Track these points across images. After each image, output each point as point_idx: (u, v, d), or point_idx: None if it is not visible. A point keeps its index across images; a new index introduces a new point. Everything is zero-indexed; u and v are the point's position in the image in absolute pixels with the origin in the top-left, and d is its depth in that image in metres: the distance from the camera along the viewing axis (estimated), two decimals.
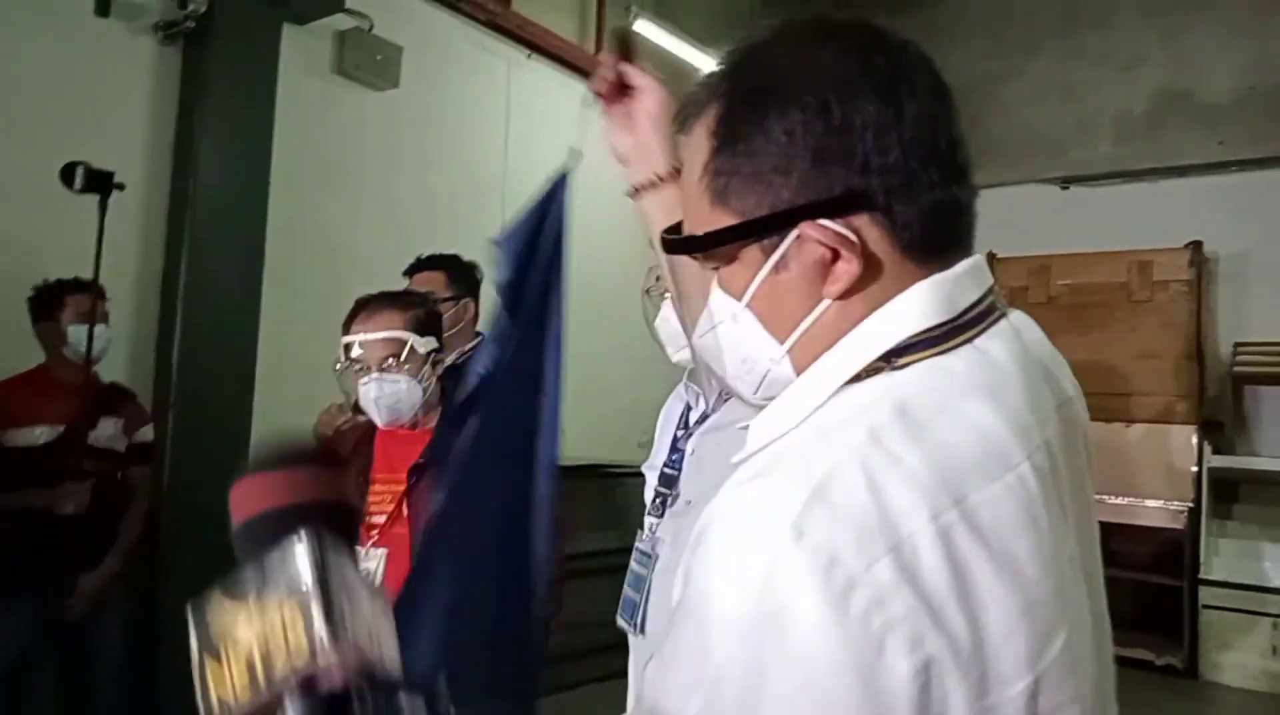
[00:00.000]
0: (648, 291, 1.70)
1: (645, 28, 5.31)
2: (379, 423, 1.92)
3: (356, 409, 2.39)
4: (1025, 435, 0.62)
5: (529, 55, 4.85)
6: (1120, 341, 5.38)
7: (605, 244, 5.21)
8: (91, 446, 2.83)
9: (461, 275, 2.74)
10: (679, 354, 1.65)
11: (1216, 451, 5.40)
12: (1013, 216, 5.27)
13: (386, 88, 4.13)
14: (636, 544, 1.69)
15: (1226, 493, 5.47)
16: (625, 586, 1.68)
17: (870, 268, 0.65)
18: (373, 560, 1.83)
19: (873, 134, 0.64)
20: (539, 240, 1.16)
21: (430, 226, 4.15)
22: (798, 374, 0.69)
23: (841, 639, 0.53)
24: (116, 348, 3.01)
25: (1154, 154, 5.94)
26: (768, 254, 0.67)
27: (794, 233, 0.65)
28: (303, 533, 0.65)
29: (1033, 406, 0.65)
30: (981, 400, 0.62)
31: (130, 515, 2.97)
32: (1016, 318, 0.72)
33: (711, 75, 0.73)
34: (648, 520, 1.68)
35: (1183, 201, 5.79)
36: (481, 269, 2.88)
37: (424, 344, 1.92)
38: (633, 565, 1.69)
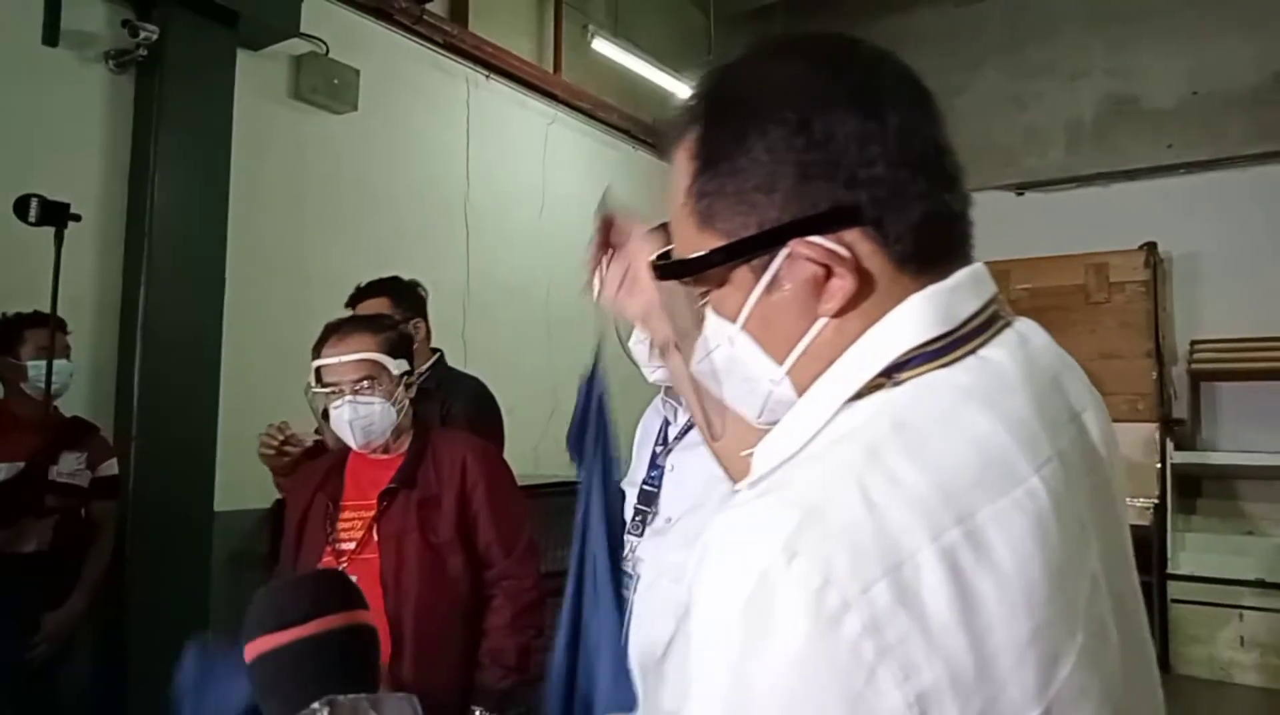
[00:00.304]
0: None
1: (603, 46, 5.34)
2: (353, 445, 1.90)
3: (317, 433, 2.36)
4: (1033, 447, 0.59)
5: (488, 76, 4.86)
6: (1080, 343, 5.46)
7: (570, 260, 5.21)
8: (54, 482, 2.77)
9: (405, 296, 2.72)
10: (655, 374, 1.65)
11: (1178, 448, 5.50)
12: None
13: (345, 111, 4.11)
14: None
15: (1190, 488, 5.58)
16: None
17: (865, 283, 0.64)
18: None
19: (856, 146, 0.62)
20: (585, 433, 1.29)
21: (393, 248, 4.14)
22: (799, 395, 0.67)
23: (830, 663, 0.51)
24: (76, 380, 2.96)
25: (1105, 159, 6.07)
26: (759, 274, 0.65)
27: (784, 251, 0.64)
28: (318, 706, 0.70)
29: (1041, 417, 0.62)
30: (985, 412, 0.60)
31: (95, 552, 2.91)
32: (1023, 325, 0.69)
33: (689, 99, 0.71)
34: (628, 539, 1.66)
35: (1135, 204, 5.92)
36: (424, 287, 2.86)
37: (396, 366, 1.92)
38: None
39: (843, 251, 0.63)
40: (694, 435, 1.66)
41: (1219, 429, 5.76)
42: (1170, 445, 5.44)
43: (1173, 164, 5.91)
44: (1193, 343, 5.79)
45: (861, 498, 0.54)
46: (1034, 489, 0.57)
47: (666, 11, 6.35)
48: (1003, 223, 6.14)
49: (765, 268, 0.65)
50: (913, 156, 0.64)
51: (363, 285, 2.73)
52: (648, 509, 1.66)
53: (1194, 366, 5.71)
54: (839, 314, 0.64)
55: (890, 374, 0.63)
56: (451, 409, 2.53)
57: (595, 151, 5.56)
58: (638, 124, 5.75)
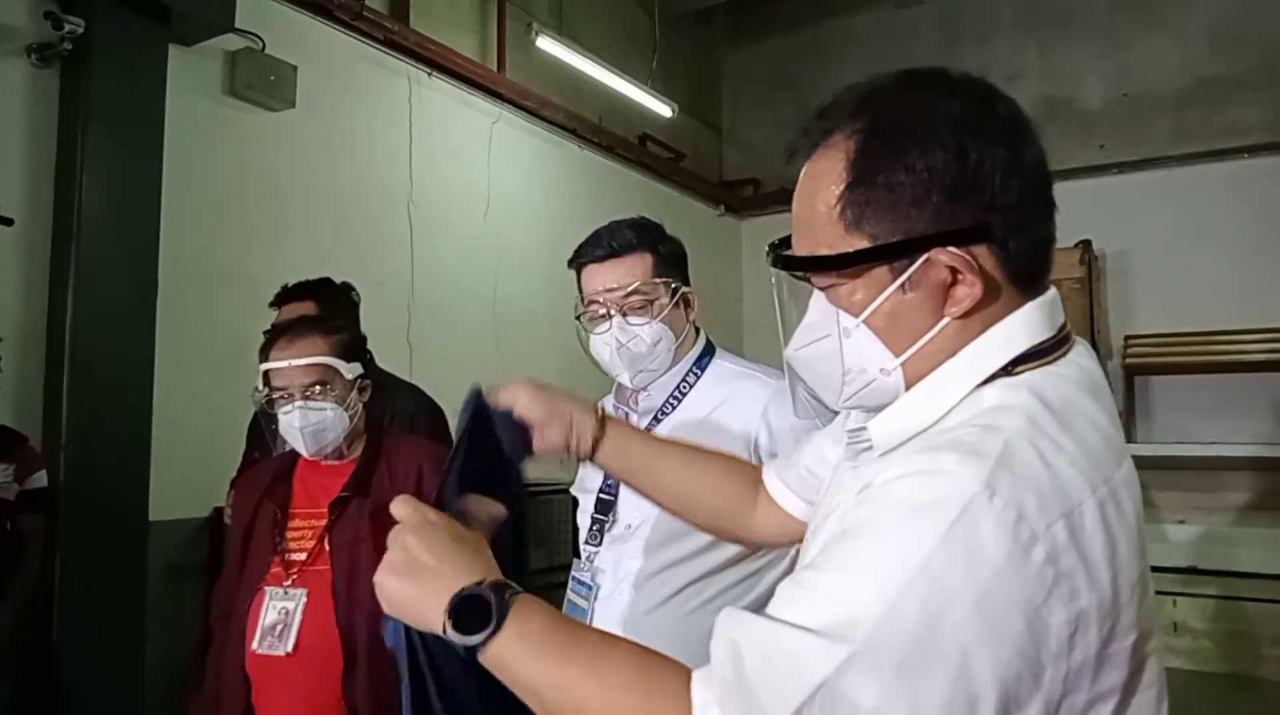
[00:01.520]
0: (579, 317, 1.66)
1: (547, 44, 5.30)
2: (304, 453, 1.82)
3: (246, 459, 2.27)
4: (1120, 435, 0.76)
5: (430, 73, 4.78)
6: None
7: (520, 263, 5.16)
8: None
9: (331, 300, 2.63)
10: (638, 377, 1.63)
11: None
12: None
13: (282, 108, 3.99)
14: (574, 573, 1.64)
15: None
16: None
17: (988, 292, 0.74)
18: (293, 600, 1.74)
19: (1000, 175, 0.73)
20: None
21: (336, 250, 4.04)
22: (907, 384, 0.77)
23: (1021, 580, 0.62)
24: (1, 390, 2.83)
25: None
26: (896, 275, 0.74)
27: (924, 257, 0.73)
28: None
29: (1116, 412, 0.78)
30: (1094, 403, 0.75)
31: (21, 568, 2.77)
32: (1080, 341, 0.82)
33: (839, 104, 0.79)
34: (585, 549, 1.62)
35: (1070, 203, 5.91)
36: (358, 291, 2.77)
37: (350, 370, 1.83)
38: (570, 596, 1.63)
39: (974, 263, 0.73)
40: None
41: (1152, 422, 5.94)
42: None
43: (1105, 164, 6.08)
44: (1126, 338, 5.95)
45: (1038, 455, 0.67)
46: (1131, 464, 0.75)
47: (611, 11, 6.32)
48: None
49: (903, 270, 0.74)
50: (1037, 188, 0.76)
51: (289, 286, 2.65)
52: (605, 517, 1.62)
53: (1128, 361, 5.87)
54: (963, 317, 0.75)
55: (1007, 368, 0.75)
56: (392, 421, 2.44)
57: (540, 150, 5.51)
58: (583, 123, 5.71)
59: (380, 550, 1.79)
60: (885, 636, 0.62)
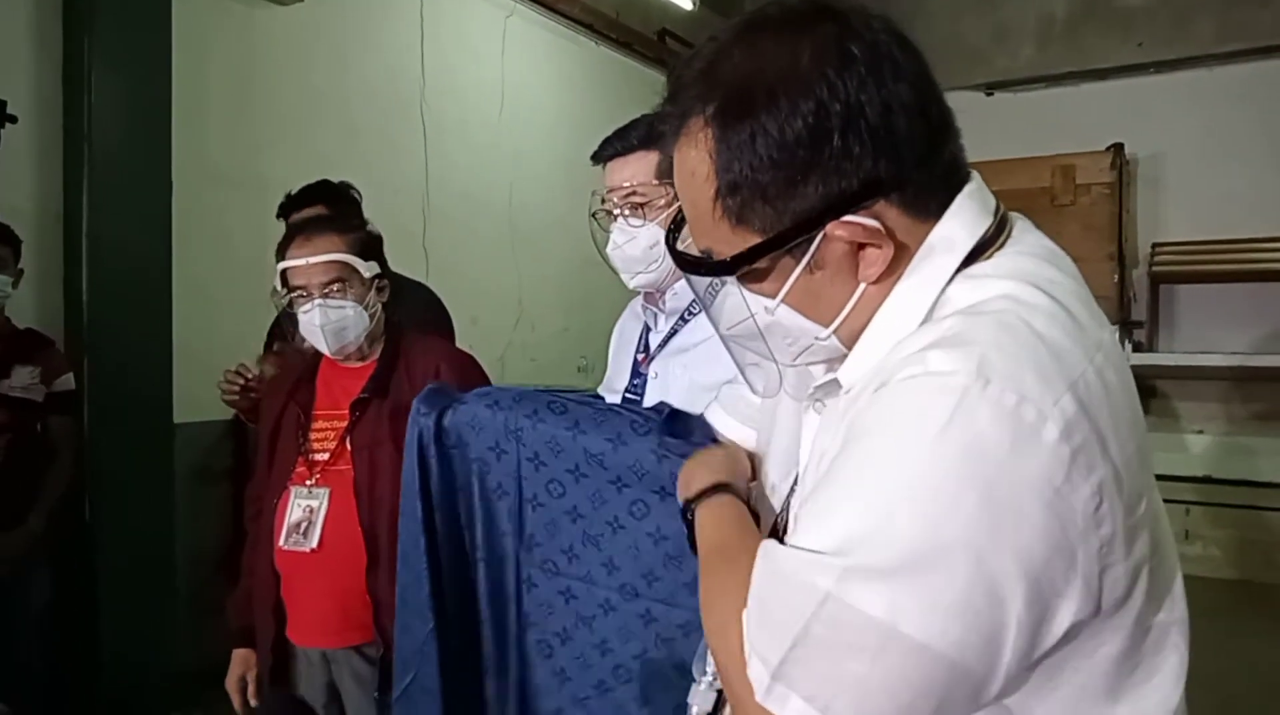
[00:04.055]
0: (594, 215, 1.63)
1: None
2: (326, 351, 1.82)
3: (277, 354, 2.30)
4: (1092, 296, 0.72)
5: None
6: None
7: (538, 169, 5.07)
8: (4, 397, 2.67)
9: (340, 202, 2.56)
10: (635, 280, 1.60)
11: (1136, 350, 5.60)
12: None
13: (292, 1, 3.88)
14: None
15: (1146, 388, 5.69)
16: None
17: (902, 239, 0.70)
18: (316, 499, 1.77)
19: (875, 123, 0.66)
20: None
21: (348, 152, 3.97)
22: (846, 344, 0.74)
23: (1035, 464, 0.60)
24: (22, 293, 2.83)
25: (1075, 58, 5.97)
26: (798, 258, 0.70)
27: (820, 234, 0.69)
28: None
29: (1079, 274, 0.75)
30: (1059, 270, 0.71)
31: (53, 470, 2.82)
32: (1017, 215, 0.78)
33: (684, 86, 0.73)
34: None
35: (1103, 104, 5.87)
36: (358, 190, 2.70)
37: (367, 268, 1.82)
38: None
39: (876, 225, 0.69)
40: (677, 342, 1.63)
41: (1175, 331, 5.86)
42: (1129, 347, 5.52)
43: (1142, 64, 5.83)
44: (1154, 246, 5.82)
45: (1029, 330, 0.64)
46: (1108, 326, 0.72)
47: None
48: (972, 123, 5.95)
49: (804, 252, 0.70)
50: (922, 121, 0.69)
51: (293, 193, 2.57)
52: None
53: (1154, 269, 5.76)
54: (879, 279, 0.71)
55: (960, 269, 0.71)
56: (400, 316, 2.43)
57: (556, 46, 5.35)
58: (599, 17, 5.52)
59: (399, 448, 1.81)
60: (881, 546, 0.61)
